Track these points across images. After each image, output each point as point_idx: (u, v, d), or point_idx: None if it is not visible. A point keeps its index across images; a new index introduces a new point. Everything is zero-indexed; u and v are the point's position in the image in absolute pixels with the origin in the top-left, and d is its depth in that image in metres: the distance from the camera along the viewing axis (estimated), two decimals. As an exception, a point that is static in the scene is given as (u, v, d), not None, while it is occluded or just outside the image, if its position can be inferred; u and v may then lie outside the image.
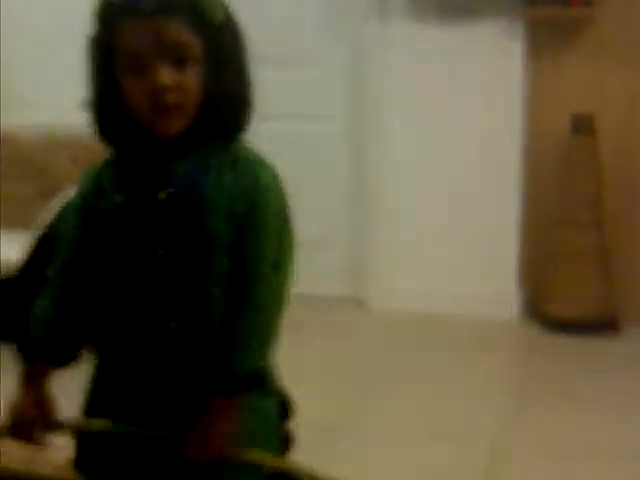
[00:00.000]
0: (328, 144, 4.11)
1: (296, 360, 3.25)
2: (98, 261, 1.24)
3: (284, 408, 1.30)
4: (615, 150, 3.68)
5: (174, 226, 1.20)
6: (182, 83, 1.16)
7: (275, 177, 1.23)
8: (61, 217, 1.29)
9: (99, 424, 1.26)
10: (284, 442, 1.31)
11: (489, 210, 3.78)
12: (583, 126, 3.61)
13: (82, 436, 1.31)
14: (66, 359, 1.27)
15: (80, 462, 1.32)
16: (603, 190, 3.64)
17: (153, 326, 1.22)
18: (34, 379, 1.26)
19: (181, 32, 1.16)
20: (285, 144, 4.05)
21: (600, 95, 3.68)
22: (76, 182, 3.77)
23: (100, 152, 4.30)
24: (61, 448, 2.32)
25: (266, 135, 3.95)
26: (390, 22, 3.84)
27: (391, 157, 3.91)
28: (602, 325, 3.58)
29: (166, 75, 1.15)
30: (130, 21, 1.15)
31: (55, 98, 4.24)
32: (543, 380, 3.11)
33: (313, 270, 4.09)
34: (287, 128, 4.06)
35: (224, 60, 1.20)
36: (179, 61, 1.16)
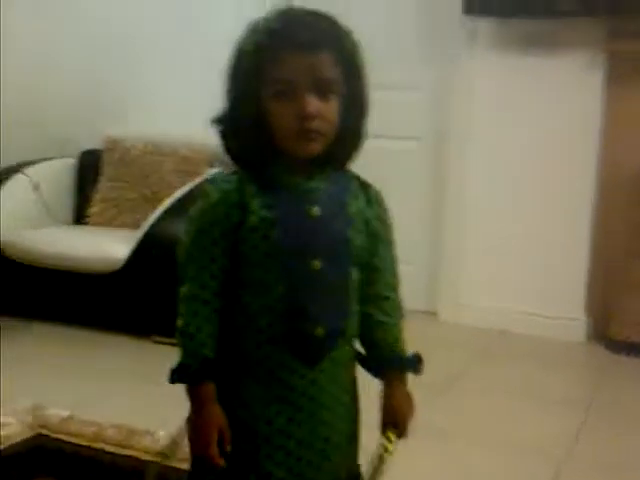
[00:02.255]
0: (412, 164, 4.22)
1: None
2: (246, 273, 1.31)
3: None
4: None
5: (325, 239, 1.31)
6: (325, 112, 1.27)
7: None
8: (195, 231, 1.30)
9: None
10: None
11: (561, 235, 3.84)
12: (658, 159, 3.60)
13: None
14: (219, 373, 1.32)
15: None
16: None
17: (302, 334, 1.31)
18: (208, 399, 1.30)
19: (332, 68, 1.27)
20: (371, 162, 4.26)
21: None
22: (175, 188, 4.02)
23: (197, 163, 4.57)
24: (159, 437, 2.47)
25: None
26: (477, 49, 3.94)
27: (470, 180, 4.01)
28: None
29: (314, 104, 1.25)
30: (289, 53, 1.25)
31: (157, 110, 4.46)
32: (608, 399, 3.13)
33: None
34: (374, 146, 4.22)
35: (356, 97, 1.33)
36: (324, 93, 1.27)
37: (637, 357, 3.62)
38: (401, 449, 2.48)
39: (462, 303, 4.07)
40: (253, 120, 1.28)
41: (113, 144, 4.26)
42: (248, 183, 1.30)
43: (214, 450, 1.29)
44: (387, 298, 1.40)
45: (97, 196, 4.21)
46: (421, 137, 4.21)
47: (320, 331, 1.31)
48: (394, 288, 1.42)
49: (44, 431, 2.51)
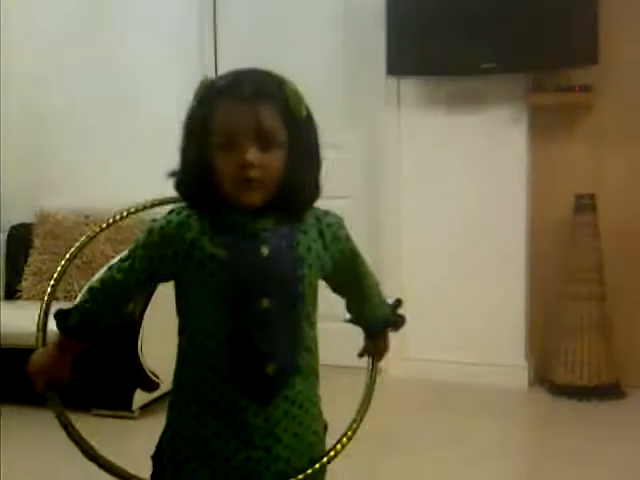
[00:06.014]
0: (345, 223, 4.28)
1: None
2: (193, 309, 1.34)
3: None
4: (614, 227, 3.78)
5: (274, 279, 1.33)
6: (265, 162, 1.29)
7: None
8: (141, 245, 1.39)
9: None
10: None
11: (498, 285, 3.91)
12: (585, 205, 3.72)
13: None
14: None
15: None
16: (604, 265, 3.74)
17: (253, 371, 1.32)
18: (65, 347, 1.44)
19: (272, 119, 1.30)
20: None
21: (600, 176, 3.80)
22: (109, 257, 3.96)
23: (131, 230, 4.51)
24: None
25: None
26: (403, 109, 4.04)
27: (405, 235, 4.07)
28: (607, 391, 3.67)
29: (253, 154, 1.28)
30: (229, 104, 1.30)
31: (89, 181, 4.48)
32: (552, 443, 3.16)
33: (334, 343, 4.30)
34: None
35: (303, 150, 1.35)
36: (265, 143, 1.29)
37: (580, 401, 3.66)
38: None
39: (408, 357, 4.08)
40: (201, 169, 1.32)
41: (44, 217, 4.23)
42: (198, 220, 1.33)
43: (41, 385, 1.48)
44: (369, 297, 1.63)
45: (28, 270, 4.16)
46: (352, 196, 4.25)
47: (271, 369, 1.33)
48: (372, 292, 1.63)
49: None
